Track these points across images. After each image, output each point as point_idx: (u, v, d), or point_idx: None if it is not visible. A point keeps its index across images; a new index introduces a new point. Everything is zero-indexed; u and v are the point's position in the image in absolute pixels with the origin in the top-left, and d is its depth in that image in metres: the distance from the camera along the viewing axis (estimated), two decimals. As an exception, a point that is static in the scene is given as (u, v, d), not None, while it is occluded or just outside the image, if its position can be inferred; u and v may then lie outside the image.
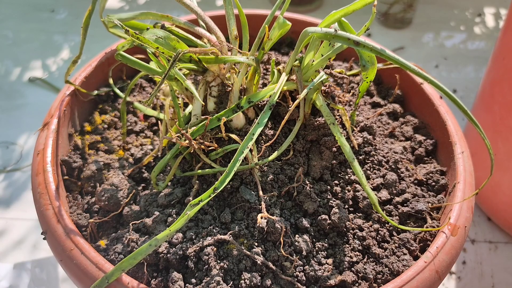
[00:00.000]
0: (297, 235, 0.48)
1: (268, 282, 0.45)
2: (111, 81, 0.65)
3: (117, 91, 0.67)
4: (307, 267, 0.46)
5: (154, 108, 0.66)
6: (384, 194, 0.54)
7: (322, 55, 0.51)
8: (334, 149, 0.54)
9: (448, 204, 0.52)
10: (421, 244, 0.51)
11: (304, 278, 0.46)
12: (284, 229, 0.47)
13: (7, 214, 1.00)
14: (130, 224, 0.51)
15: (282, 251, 0.46)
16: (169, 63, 0.46)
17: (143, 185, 0.57)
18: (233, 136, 0.51)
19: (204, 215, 0.50)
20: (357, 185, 0.53)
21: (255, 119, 0.50)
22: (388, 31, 1.64)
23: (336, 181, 0.53)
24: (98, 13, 0.54)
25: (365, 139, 0.57)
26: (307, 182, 0.51)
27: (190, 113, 0.55)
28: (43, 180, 0.52)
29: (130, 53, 0.55)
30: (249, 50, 0.53)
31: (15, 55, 1.40)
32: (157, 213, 0.50)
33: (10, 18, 1.61)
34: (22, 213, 1.00)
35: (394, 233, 0.51)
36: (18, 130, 1.17)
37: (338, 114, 0.56)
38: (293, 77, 0.52)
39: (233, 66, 0.53)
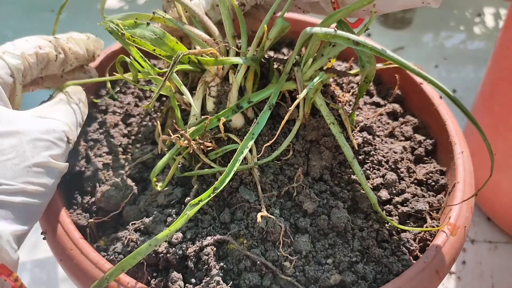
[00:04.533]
0: (296, 235, 0.48)
1: (268, 282, 0.45)
2: (109, 85, 0.66)
3: (114, 94, 0.67)
4: (306, 267, 0.46)
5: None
6: (384, 194, 0.54)
7: (322, 55, 0.51)
8: (334, 149, 0.54)
9: (448, 204, 0.52)
10: (421, 244, 0.51)
11: (303, 278, 0.46)
12: (284, 229, 0.47)
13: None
14: (130, 224, 0.51)
15: (282, 251, 0.46)
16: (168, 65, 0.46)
17: (142, 185, 0.57)
18: (233, 136, 0.51)
19: (204, 215, 0.50)
20: (356, 185, 0.53)
21: (255, 119, 0.50)
22: (388, 31, 1.64)
23: (335, 181, 0.53)
24: (96, 12, 0.55)
25: (365, 139, 0.57)
26: (307, 182, 0.51)
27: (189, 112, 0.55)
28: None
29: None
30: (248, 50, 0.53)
31: (15, 55, 1.40)
32: (156, 213, 0.50)
33: (10, 18, 1.61)
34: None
35: (394, 233, 0.51)
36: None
37: (337, 114, 0.56)
38: (293, 76, 0.52)
39: (232, 66, 0.53)
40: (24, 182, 0.41)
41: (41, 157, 0.42)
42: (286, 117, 0.47)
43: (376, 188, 0.55)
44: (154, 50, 0.48)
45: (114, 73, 0.55)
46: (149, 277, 0.46)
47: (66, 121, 0.47)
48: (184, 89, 0.49)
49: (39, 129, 0.44)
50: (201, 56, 0.51)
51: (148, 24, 0.50)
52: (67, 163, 0.47)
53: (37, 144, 0.43)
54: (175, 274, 0.45)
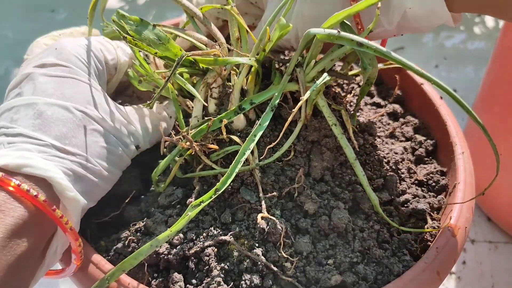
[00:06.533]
0: (297, 236, 0.48)
1: (269, 283, 0.45)
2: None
3: None
4: (307, 267, 0.46)
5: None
6: (385, 194, 0.54)
7: (332, 60, 0.50)
8: (335, 150, 0.54)
9: (449, 205, 0.52)
10: (422, 244, 0.51)
11: (304, 278, 0.46)
12: (285, 230, 0.47)
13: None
14: (131, 224, 0.51)
15: (283, 252, 0.46)
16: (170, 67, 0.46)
17: (144, 185, 0.57)
18: (234, 137, 0.51)
19: (205, 216, 0.50)
20: (357, 186, 0.53)
21: (257, 120, 0.50)
22: (388, 31, 1.64)
23: (336, 182, 0.53)
24: (97, 12, 0.55)
25: (366, 139, 0.57)
26: (308, 183, 0.51)
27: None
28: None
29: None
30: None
31: (15, 55, 1.40)
32: (157, 213, 0.51)
33: (10, 18, 1.61)
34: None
35: (395, 234, 0.51)
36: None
37: (339, 115, 0.56)
38: (295, 78, 0.52)
39: (234, 67, 0.53)
40: (103, 166, 0.47)
41: (119, 150, 0.49)
42: (289, 119, 0.47)
43: (376, 189, 0.55)
44: (156, 53, 0.48)
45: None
46: (150, 278, 0.47)
47: (141, 133, 0.53)
48: (190, 87, 0.49)
49: (124, 130, 0.51)
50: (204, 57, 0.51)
51: (154, 26, 0.49)
52: (130, 161, 0.53)
53: (119, 140, 0.50)
54: (176, 275, 0.45)
